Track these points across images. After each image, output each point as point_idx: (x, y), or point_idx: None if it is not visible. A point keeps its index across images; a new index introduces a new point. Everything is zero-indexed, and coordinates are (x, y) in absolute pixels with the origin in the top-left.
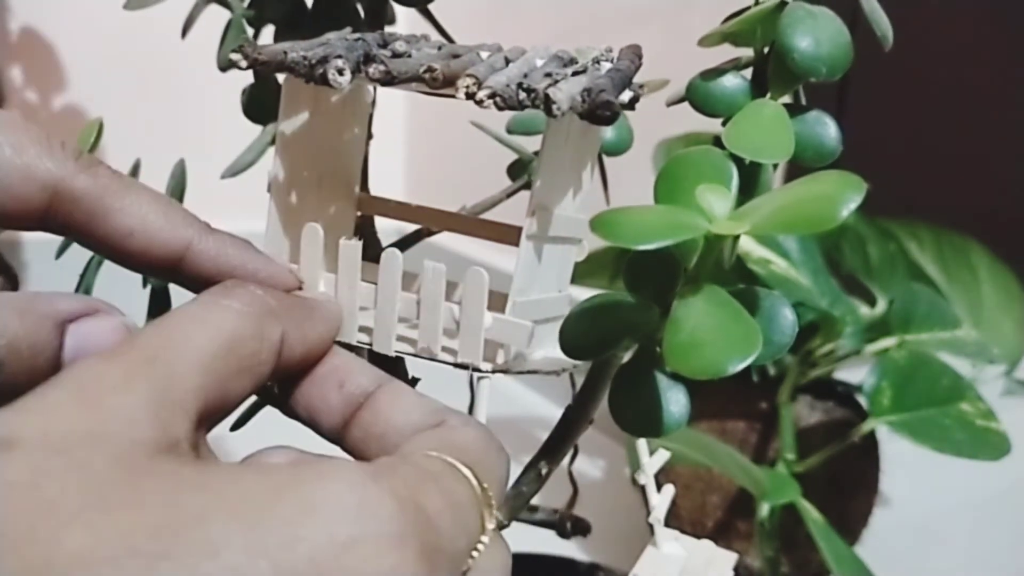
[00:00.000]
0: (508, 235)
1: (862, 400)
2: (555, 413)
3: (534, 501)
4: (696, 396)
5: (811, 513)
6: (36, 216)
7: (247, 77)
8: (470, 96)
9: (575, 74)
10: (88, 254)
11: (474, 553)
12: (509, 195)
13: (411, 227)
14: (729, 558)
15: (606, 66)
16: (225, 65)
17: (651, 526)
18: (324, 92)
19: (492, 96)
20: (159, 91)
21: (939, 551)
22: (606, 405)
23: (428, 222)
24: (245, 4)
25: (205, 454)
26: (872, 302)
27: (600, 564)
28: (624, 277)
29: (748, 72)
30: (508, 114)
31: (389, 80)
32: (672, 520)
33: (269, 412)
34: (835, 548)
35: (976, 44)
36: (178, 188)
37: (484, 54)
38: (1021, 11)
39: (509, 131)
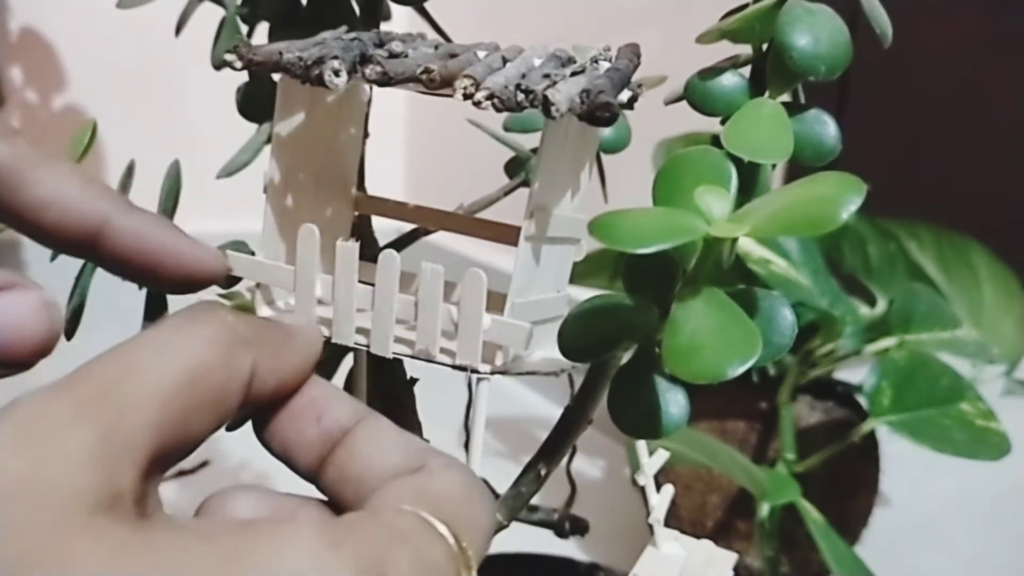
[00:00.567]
0: (506, 235)
1: (862, 400)
2: (555, 413)
3: (533, 501)
4: (696, 396)
5: (811, 513)
6: None
7: (243, 75)
8: (468, 97)
9: (573, 74)
10: None
11: None
12: (506, 193)
13: (409, 226)
14: (729, 558)
15: (604, 65)
16: (220, 64)
17: (651, 526)
18: (320, 92)
19: (490, 97)
20: (156, 91)
21: (939, 551)
22: (605, 405)
23: (426, 222)
24: (239, 2)
25: (153, 508)
26: (872, 302)
27: (599, 564)
28: (623, 278)
29: (747, 70)
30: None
31: (386, 81)
32: (672, 520)
33: None
34: (835, 548)
35: (976, 44)
36: (173, 188)
37: (481, 54)
38: (1021, 11)
39: (507, 129)
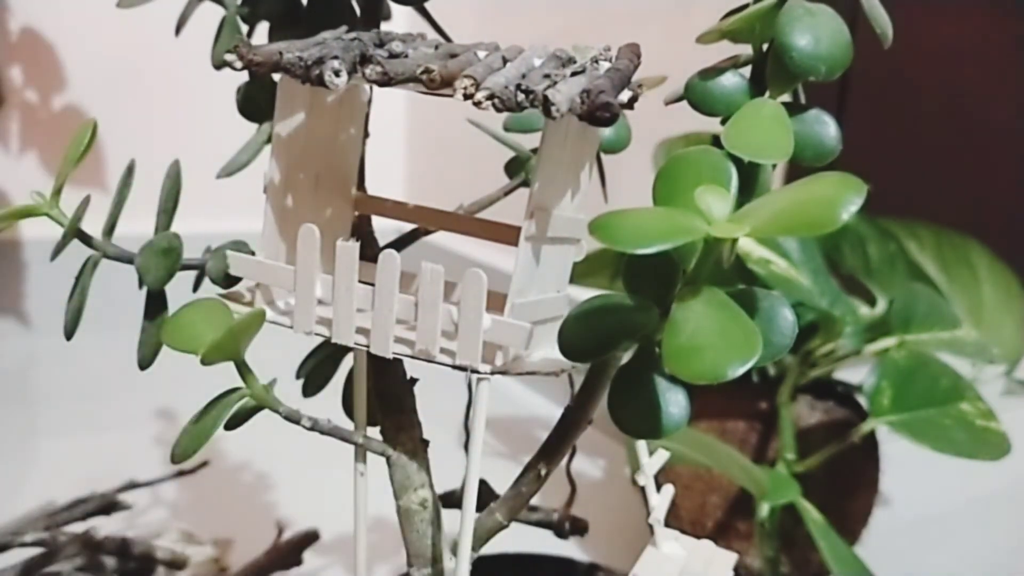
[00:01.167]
0: (506, 235)
1: (862, 400)
2: (555, 413)
3: (533, 501)
4: (696, 396)
5: (811, 513)
6: None
7: (243, 75)
8: (468, 97)
9: (573, 74)
10: (84, 255)
11: None
12: (506, 193)
13: (409, 226)
14: (729, 558)
15: (604, 65)
16: (220, 64)
17: (651, 526)
18: (320, 92)
19: (490, 98)
20: (156, 91)
21: (939, 551)
22: (605, 405)
23: (426, 222)
24: (239, 2)
25: None
26: (872, 302)
27: (599, 564)
28: (623, 278)
29: (747, 70)
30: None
31: (386, 81)
32: (672, 520)
33: (266, 413)
34: (835, 548)
35: (976, 44)
36: (173, 188)
37: (481, 54)
38: (1021, 11)
39: (507, 129)
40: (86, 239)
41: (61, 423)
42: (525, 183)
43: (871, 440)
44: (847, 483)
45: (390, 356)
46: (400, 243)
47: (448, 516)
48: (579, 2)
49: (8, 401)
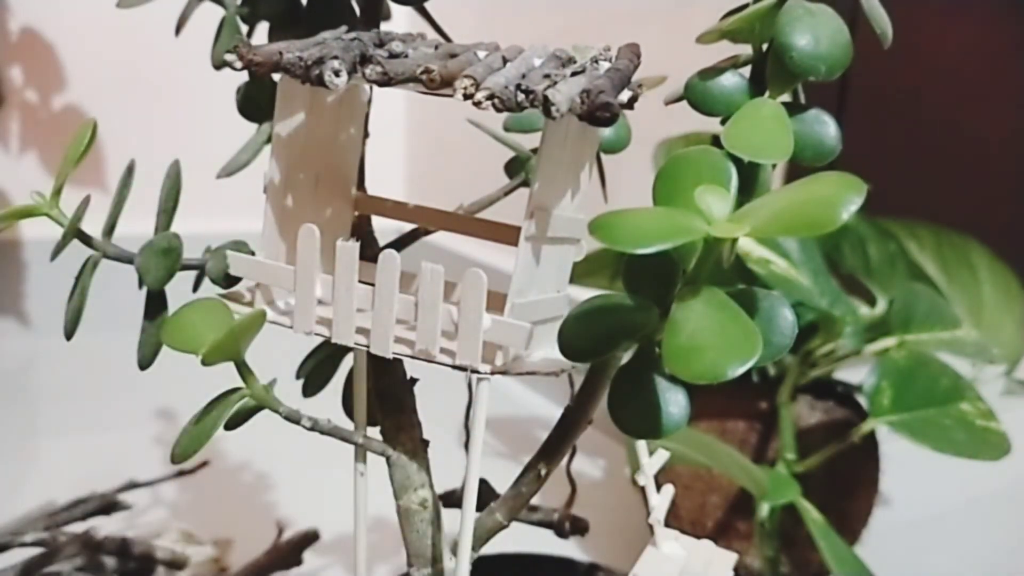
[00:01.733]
0: (506, 235)
1: (862, 400)
2: (555, 413)
3: (533, 501)
4: (696, 396)
5: (811, 513)
6: None
7: (243, 75)
8: (468, 97)
9: (573, 74)
10: (84, 255)
11: None
12: (506, 193)
13: (409, 226)
14: (729, 558)
15: (604, 65)
16: (220, 64)
17: (651, 526)
18: (320, 92)
19: (490, 98)
20: (156, 91)
21: (939, 551)
22: (605, 405)
23: (426, 222)
24: (239, 2)
25: None
26: (872, 302)
27: (599, 564)
28: (623, 278)
29: (747, 70)
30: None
31: (386, 81)
32: (672, 520)
33: (266, 413)
34: (835, 548)
35: (976, 44)
36: (173, 188)
37: (481, 54)
38: (1021, 11)
39: (507, 129)
40: (86, 239)
41: (61, 423)
42: (525, 183)
43: (871, 440)
44: (847, 483)
45: (390, 356)
46: (400, 243)
47: (448, 516)
48: (579, 2)
49: (8, 401)
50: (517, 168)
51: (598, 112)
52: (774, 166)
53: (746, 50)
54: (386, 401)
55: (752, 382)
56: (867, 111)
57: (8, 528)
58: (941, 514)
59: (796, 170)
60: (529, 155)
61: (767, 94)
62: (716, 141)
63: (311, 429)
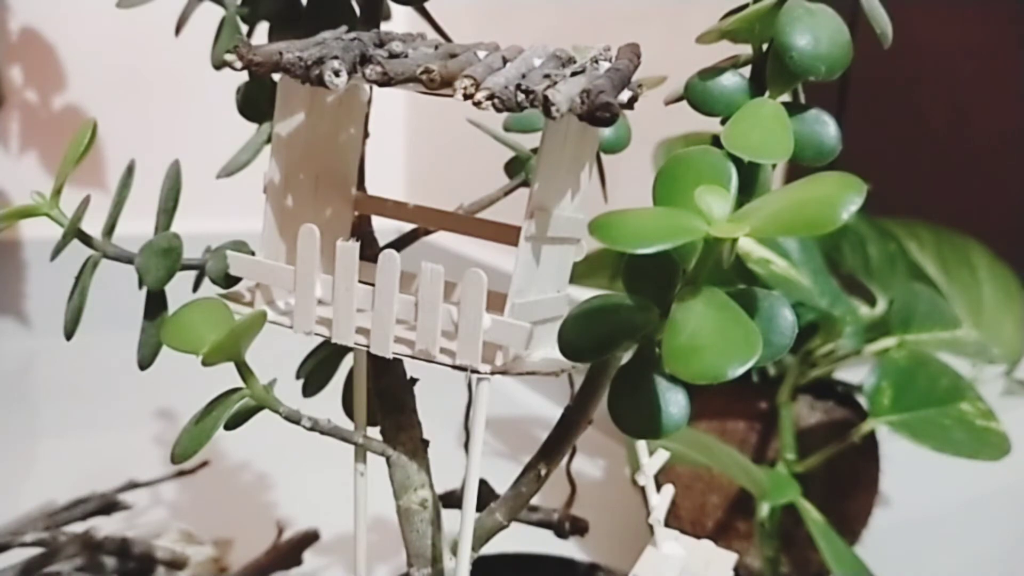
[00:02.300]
0: (506, 235)
1: (862, 400)
2: (555, 413)
3: (533, 501)
4: (696, 396)
5: (811, 513)
6: None
7: (243, 75)
8: (468, 97)
9: (573, 74)
10: (84, 255)
11: None
12: (506, 193)
13: (409, 226)
14: (729, 558)
15: (604, 65)
16: (219, 64)
17: (651, 526)
18: (320, 92)
19: (490, 98)
20: (156, 91)
21: (939, 551)
22: (605, 405)
23: (426, 222)
24: (239, 2)
25: None
26: (872, 302)
27: (599, 564)
28: (623, 278)
29: (747, 70)
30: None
31: (386, 81)
32: (672, 520)
33: (266, 413)
34: (835, 548)
35: (976, 44)
36: (173, 188)
37: (481, 54)
38: (1021, 11)
39: (507, 129)
40: (86, 239)
41: (61, 423)
42: (525, 183)
43: (871, 440)
44: (847, 483)
45: (390, 356)
46: (400, 243)
47: (448, 516)
48: (579, 2)
49: (8, 401)
50: (517, 168)
51: (598, 112)
52: (774, 166)
53: (746, 50)
54: (386, 401)
55: (752, 382)
56: (867, 111)
57: (8, 528)
58: (941, 514)
59: (796, 170)
60: (529, 155)
61: (767, 94)
62: (716, 141)
63: (311, 429)
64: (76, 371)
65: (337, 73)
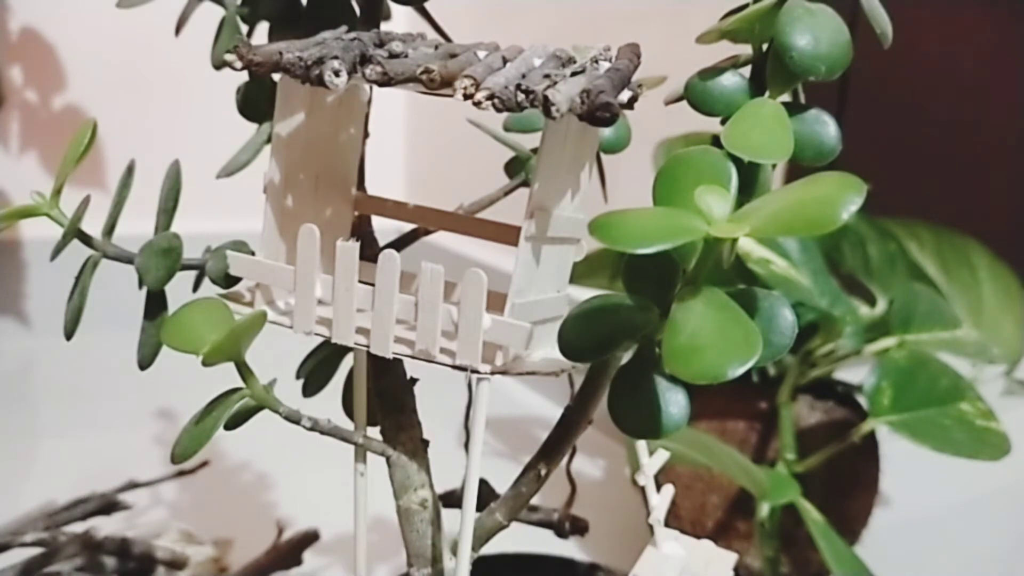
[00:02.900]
0: (506, 235)
1: (862, 400)
2: (555, 413)
3: (533, 501)
4: (696, 396)
5: (811, 513)
6: None
7: (243, 75)
8: (468, 97)
9: (573, 74)
10: (84, 255)
11: None
12: (506, 193)
13: (409, 226)
14: (729, 558)
15: (604, 65)
16: (219, 64)
17: (651, 526)
18: (320, 92)
19: (490, 98)
20: (156, 91)
21: (939, 551)
22: (605, 405)
23: (426, 222)
24: (239, 2)
25: None
26: (872, 302)
27: (599, 564)
28: (623, 278)
29: (747, 70)
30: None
31: (386, 81)
32: (672, 520)
33: (266, 413)
34: (835, 548)
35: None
36: (173, 188)
37: (481, 54)
38: (1021, 11)
39: (507, 129)
40: (86, 239)
41: (61, 423)
42: (525, 183)
43: (871, 440)
44: (847, 483)
45: (390, 356)
46: (400, 243)
47: (448, 516)
48: (579, 2)
49: (8, 401)
50: (517, 168)
51: (598, 112)
52: (774, 166)
53: (746, 50)
54: (386, 401)
55: (752, 382)
56: (867, 111)
57: (8, 528)
58: (941, 514)
59: (796, 170)
60: (529, 155)
61: (767, 94)
62: (716, 141)
63: (311, 429)
64: (76, 371)
65: (337, 73)
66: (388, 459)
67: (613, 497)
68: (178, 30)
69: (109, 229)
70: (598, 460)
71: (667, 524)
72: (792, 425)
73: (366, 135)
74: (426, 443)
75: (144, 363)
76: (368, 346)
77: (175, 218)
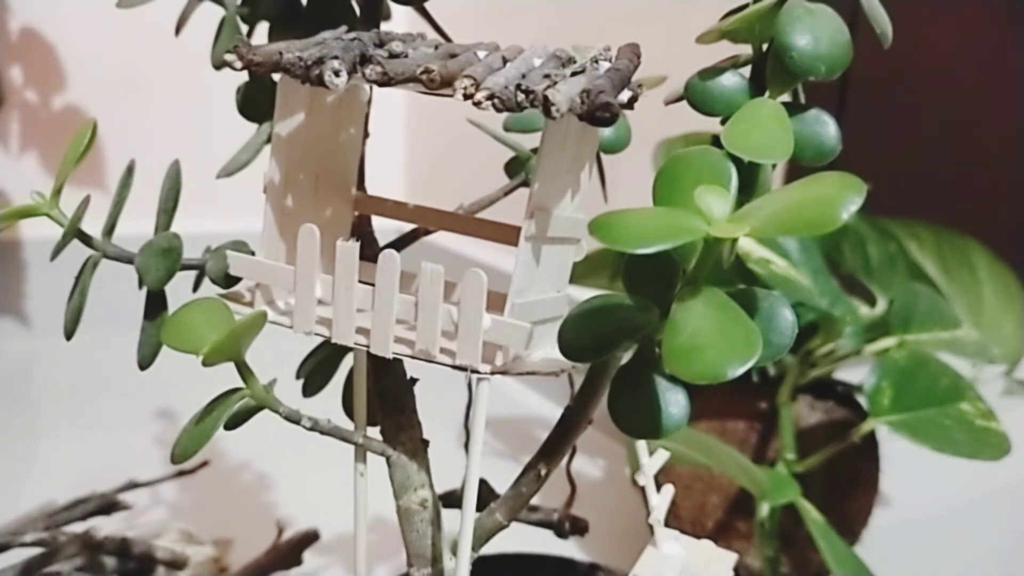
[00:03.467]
0: (506, 235)
1: (862, 400)
2: (555, 413)
3: (533, 501)
4: (696, 396)
5: (811, 513)
6: None
7: (243, 75)
8: (468, 97)
9: (573, 74)
10: (84, 255)
11: None
12: (506, 193)
13: (409, 226)
14: (729, 558)
15: (604, 65)
16: (219, 64)
17: (651, 526)
18: (320, 92)
19: (490, 98)
20: (156, 91)
21: (939, 551)
22: (605, 405)
23: (426, 222)
24: (239, 2)
25: None
26: (872, 302)
27: (599, 564)
28: (623, 278)
29: (747, 70)
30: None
31: (386, 81)
32: (672, 520)
33: (266, 413)
34: (835, 548)
35: (976, 44)
36: (173, 188)
37: (481, 54)
38: (1021, 12)
39: (507, 129)
40: (86, 239)
41: (61, 423)
42: (525, 183)
43: (871, 440)
44: (847, 483)
45: (390, 356)
46: (400, 243)
47: (448, 516)
48: (579, 2)
49: (8, 401)
50: (517, 168)
51: (598, 112)
52: (774, 166)
53: (746, 50)
54: (386, 401)
55: (752, 382)
56: (867, 111)
57: (8, 528)
58: (941, 514)
59: (796, 170)
60: (529, 155)
61: (767, 94)
62: (716, 141)
63: (311, 429)
64: (76, 371)
65: (337, 73)
66: (388, 459)
67: (613, 497)
68: (178, 30)
69: (109, 229)
70: (598, 460)
71: (667, 524)
72: (792, 425)
73: (366, 135)
74: (426, 443)
75: (144, 363)
76: (368, 346)
77: (175, 218)
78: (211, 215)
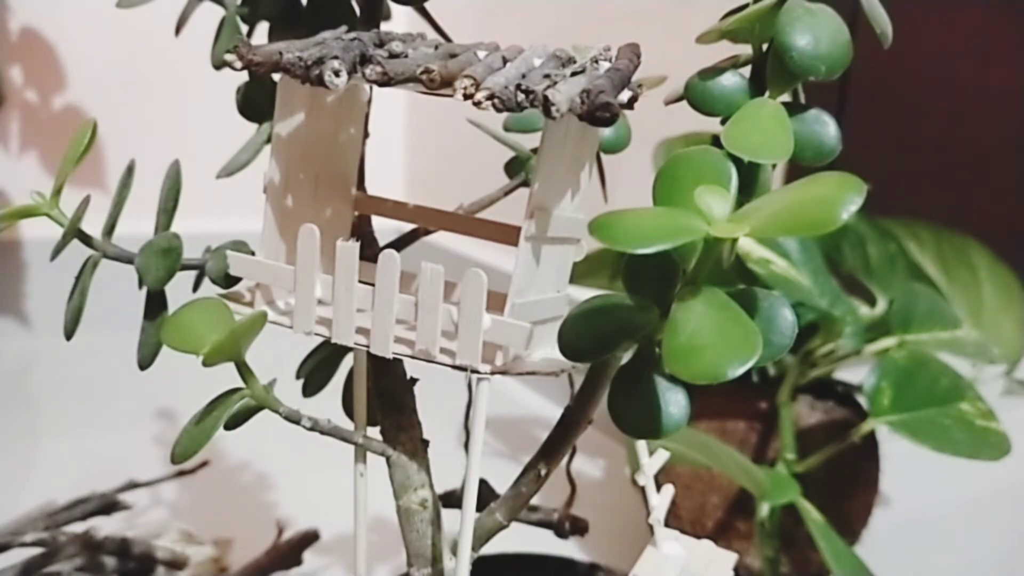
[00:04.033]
0: (506, 235)
1: (862, 400)
2: (555, 413)
3: (533, 501)
4: (696, 396)
5: (811, 513)
6: None
7: (243, 75)
8: (468, 97)
9: (573, 74)
10: (84, 255)
11: None
12: (506, 193)
13: (409, 226)
14: (729, 558)
15: (604, 65)
16: (219, 64)
17: (651, 526)
18: (320, 92)
19: (490, 98)
20: (156, 91)
21: (939, 551)
22: (605, 405)
23: (426, 222)
24: (239, 2)
25: None
26: (872, 302)
27: (599, 564)
28: (623, 278)
29: (747, 70)
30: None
31: (386, 81)
32: (672, 520)
33: (266, 413)
34: (835, 548)
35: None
36: (173, 188)
37: (481, 54)
38: (1021, 11)
39: (507, 129)
40: (86, 239)
41: (61, 423)
42: (525, 183)
43: (871, 440)
44: (847, 483)
45: (390, 356)
46: (400, 243)
47: (448, 516)
48: (579, 2)
49: (8, 401)
50: (517, 168)
51: (598, 112)
52: (774, 166)
53: (746, 50)
54: (386, 401)
55: (752, 382)
56: (867, 111)
57: (8, 528)
58: (941, 514)
59: (796, 170)
60: (529, 155)
61: (767, 94)
62: (716, 141)
63: (311, 429)
64: (76, 371)
65: (337, 73)
66: (388, 459)
67: (613, 497)
68: (178, 30)
69: (109, 229)
70: (598, 460)
71: (667, 524)
72: (792, 425)
73: (366, 135)
74: (426, 443)
75: (144, 363)
76: (368, 346)
77: (175, 218)
78: (211, 215)
